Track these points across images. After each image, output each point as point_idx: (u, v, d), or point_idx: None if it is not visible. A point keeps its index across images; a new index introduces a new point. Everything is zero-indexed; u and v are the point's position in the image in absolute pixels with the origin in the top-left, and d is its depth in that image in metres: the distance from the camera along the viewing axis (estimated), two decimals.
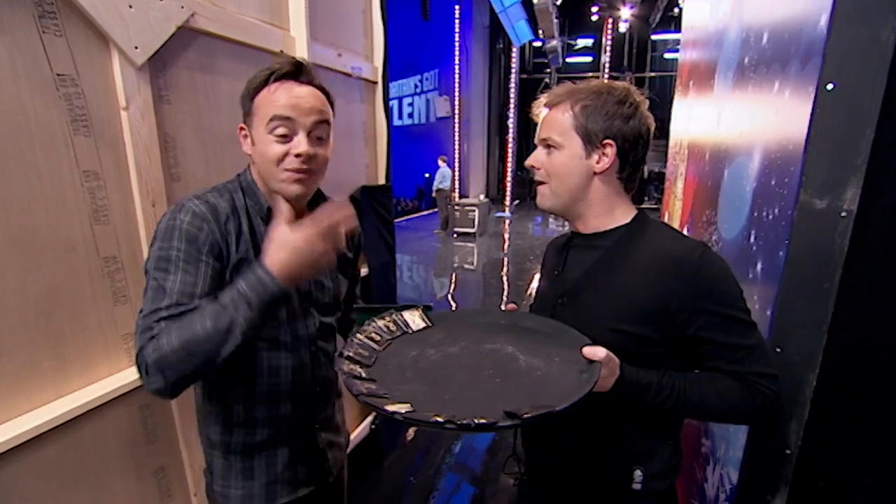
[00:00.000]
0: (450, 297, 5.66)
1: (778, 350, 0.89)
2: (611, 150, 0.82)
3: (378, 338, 0.88)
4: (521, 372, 0.76)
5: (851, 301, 0.82)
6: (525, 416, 0.59)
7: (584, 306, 0.86)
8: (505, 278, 6.47)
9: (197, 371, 0.73)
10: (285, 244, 0.72)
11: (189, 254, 0.78)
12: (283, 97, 0.81)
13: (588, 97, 0.82)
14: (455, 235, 9.00)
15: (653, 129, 0.85)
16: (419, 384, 0.74)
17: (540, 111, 0.89)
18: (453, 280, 6.40)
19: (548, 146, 0.86)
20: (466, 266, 7.20)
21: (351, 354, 0.80)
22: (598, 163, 0.83)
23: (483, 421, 0.59)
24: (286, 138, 0.82)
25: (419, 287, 6.25)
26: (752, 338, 0.78)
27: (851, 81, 0.74)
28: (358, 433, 2.30)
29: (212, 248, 0.81)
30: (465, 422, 0.58)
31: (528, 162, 0.89)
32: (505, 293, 5.74)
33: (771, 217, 0.97)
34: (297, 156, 0.82)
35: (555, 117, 0.85)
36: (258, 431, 0.95)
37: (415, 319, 0.94)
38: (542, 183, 0.88)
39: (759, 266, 1.04)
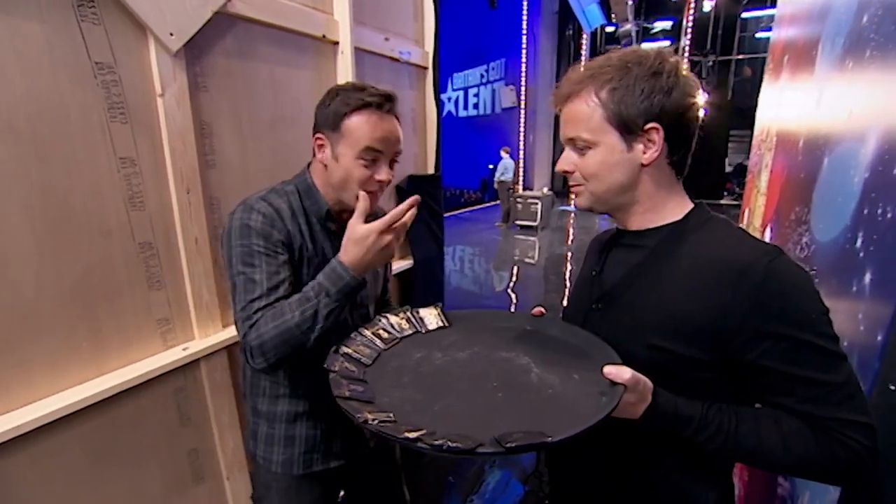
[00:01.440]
0: (509, 291, 5.51)
1: (892, 387, 0.70)
2: (657, 136, 0.66)
3: (386, 335, 0.82)
4: (530, 388, 0.66)
5: None
6: (509, 444, 0.49)
7: (621, 315, 0.72)
8: (567, 274, 6.20)
9: (293, 353, 0.84)
10: (359, 239, 0.83)
11: (267, 248, 0.88)
12: (378, 130, 0.90)
13: (614, 76, 0.66)
14: (517, 228, 8.78)
15: (699, 93, 0.68)
16: (412, 391, 0.66)
17: (559, 106, 0.73)
18: (513, 274, 6.24)
19: (577, 146, 0.71)
20: (527, 260, 6.99)
21: (349, 352, 0.74)
22: (644, 153, 0.67)
23: (458, 445, 0.50)
24: (373, 164, 0.91)
25: (479, 278, 6.17)
26: (838, 373, 0.59)
27: None
28: None
29: (283, 243, 0.90)
30: (437, 443, 0.50)
31: (559, 167, 0.74)
32: (566, 290, 5.48)
33: (889, 215, 0.76)
34: (379, 181, 0.92)
35: (578, 110, 0.69)
36: (301, 402, 1.03)
37: (431, 318, 0.85)
38: (577, 184, 0.74)
39: (867, 277, 0.83)
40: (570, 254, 7.31)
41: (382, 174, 0.92)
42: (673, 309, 0.65)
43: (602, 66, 0.68)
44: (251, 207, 0.90)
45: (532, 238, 8.30)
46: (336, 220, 0.98)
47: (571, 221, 10.12)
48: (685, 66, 0.67)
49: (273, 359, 0.83)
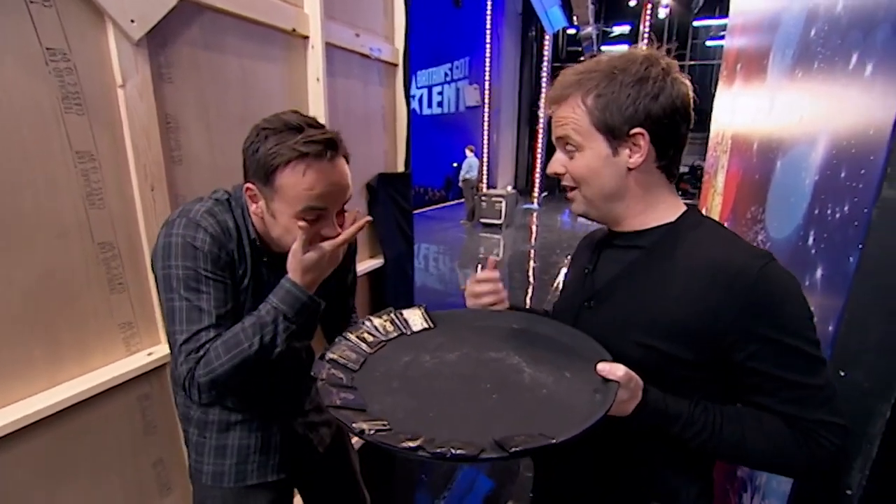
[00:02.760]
0: None
1: (842, 374, 0.76)
2: (643, 140, 0.67)
3: (371, 338, 0.79)
4: (524, 388, 0.66)
5: None
6: (514, 448, 0.49)
7: (613, 313, 0.73)
8: (531, 271, 6.32)
9: (244, 378, 0.80)
10: (313, 265, 0.80)
11: (215, 273, 0.81)
12: (319, 185, 0.78)
13: (600, 83, 0.66)
14: (481, 226, 8.87)
15: (691, 94, 0.69)
16: (404, 396, 0.65)
17: (551, 107, 0.73)
18: (478, 271, 6.28)
19: (567, 148, 0.72)
20: (492, 258, 7.07)
21: (335, 357, 0.71)
22: (630, 158, 0.68)
23: (461, 451, 0.49)
24: (316, 220, 0.81)
25: (444, 276, 6.18)
26: (818, 377, 0.62)
27: None
28: None
29: (228, 266, 0.84)
30: (439, 450, 0.49)
31: (551, 169, 0.75)
32: (531, 287, 5.59)
33: (838, 215, 0.83)
34: (324, 238, 0.83)
35: (567, 115, 0.70)
36: (232, 413, 0.97)
37: (416, 319, 0.84)
38: (571, 188, 0.74)
39: (818, 272, 0.90)
40: (533, 251, 7.46)
41: (328, 230, 0.82)
42: (665, 309, 0.67)
43: (590, 71, 0.68)
44: (197, 224, 0.80)
45: (496, 236, 8.40)
46: (267, 251, 0.90)
47: (534, 219, 10.32)
48: (675, 67, 0.67)
49: (224, 390, 0.78)
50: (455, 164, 11.55)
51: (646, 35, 11.96)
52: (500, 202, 8.73)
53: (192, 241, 0.79)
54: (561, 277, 5.63)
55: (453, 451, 0.49)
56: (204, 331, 0.78)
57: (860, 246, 0.72)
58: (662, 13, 12.09)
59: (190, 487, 1.31)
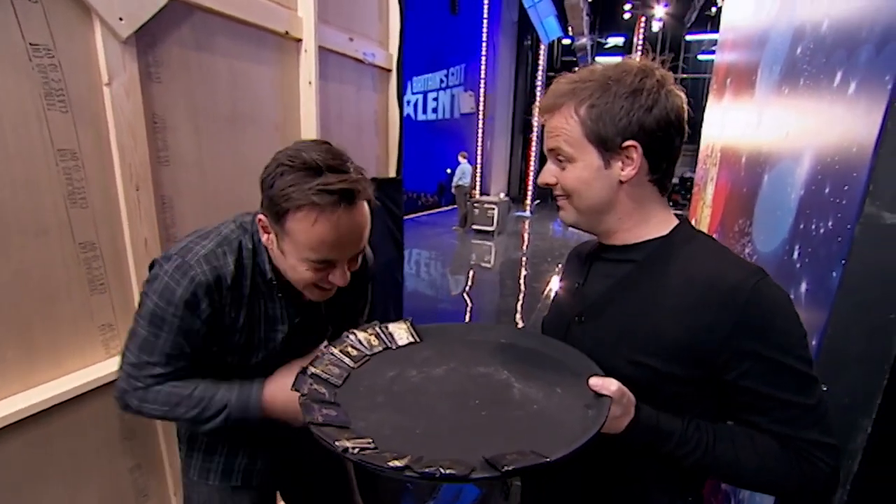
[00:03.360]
0: (465, 295, 5.56)
1: (824, 388, 0.76)
2: (636, 153, 0.65)
3: (355, 353, 0.77)
4: (514, 404, 0.64)
5: None
6: (506, 468, 0.47)
7: (604, 329, 0.72)
8: (522, 279, 6.33)
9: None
10: (288, 416, 0.83)
11: (184, 320, 0.79)
12: (328, 237, 0.73)
13: (594, 93, 0.65)
14: (473, 233, 8.89)
15: (685, 107, 0.68)
16: (390, 413, 0.63)
17: (543, 117, 0.72)
18: (469, 278, 6.29)
19: (558, 159, 0.70)
20: (483, 264, 7.08)
21: (318, 373, 0.69)
22: (622, 170, 0.67)
23: (451, 471, 0.47)
24: (326, 268, 0.78)
25: (436, 282, 6.17)
26: (811, 395, 0.61)
27: None
28: None
29: (208, 318, 0.80)
30: (428, 470, 0.47)
31: (542, 180, 0.73)
32: (522, 294, 5.60)
33: (822, 230, 0.84)
34: (335, 284, 0.81)
35: (559, 125, 0.68)
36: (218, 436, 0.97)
37: (401, 333, 0.82)
38: (562, 197, 0.73)
39: (803, 286, 0.91)
40: (525, 258, 7.48)
41: (338, 279, 0.79)
42: (658, 325, 0.65)
43: (584, 81, 0.67)
44: (186, 270, 0.77)
45: (488, 242, 8.41)
46: (284, 289, 0.86)
47: (526, 227, 10.36)
48: (670, 80, 0.66)
49: (145, 418, 0.83)
50: (448, 171, 11.58)
51: (639, 47, 12.13)
52: (493, 209, 8.76)
53: (175, 285, 0.77)
54: (552, 286, 5.65)
55: (442, 470, 0.47)
56: (151, 365, 0.81)
57: (843, 262, 0.73)
58: (656, 26, 12.28)
59: (168, 494, 1.30)
